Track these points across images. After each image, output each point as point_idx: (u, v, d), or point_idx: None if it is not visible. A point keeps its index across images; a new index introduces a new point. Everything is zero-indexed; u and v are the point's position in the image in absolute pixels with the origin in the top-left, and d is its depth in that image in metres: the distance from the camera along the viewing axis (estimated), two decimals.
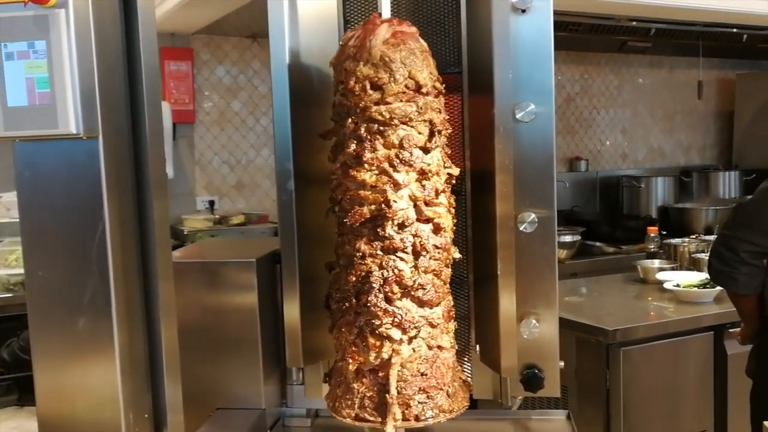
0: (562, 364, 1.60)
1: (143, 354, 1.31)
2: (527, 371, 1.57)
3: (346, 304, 1.39)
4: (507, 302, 1.48)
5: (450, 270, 1.43)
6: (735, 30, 4.73)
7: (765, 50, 5.48)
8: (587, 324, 2.85)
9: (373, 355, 1.36)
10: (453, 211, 1.43)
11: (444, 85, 1.44)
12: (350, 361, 1.39)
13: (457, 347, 1.47)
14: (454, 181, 1.43)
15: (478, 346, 1.63)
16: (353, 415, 1.39)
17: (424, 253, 1.35)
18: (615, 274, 3.91)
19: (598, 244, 4.76)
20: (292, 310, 1.56)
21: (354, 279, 1.37)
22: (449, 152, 1.43)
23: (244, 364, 1.65)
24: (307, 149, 1.55)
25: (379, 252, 1.34)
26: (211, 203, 4.76)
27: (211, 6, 3.79)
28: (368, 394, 1.37)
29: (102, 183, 1.19)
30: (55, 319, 1.23)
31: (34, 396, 1.27)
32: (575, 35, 4.44)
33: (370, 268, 1.35)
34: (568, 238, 4.53)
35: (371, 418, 1.36)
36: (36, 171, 1.21)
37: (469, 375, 1.67)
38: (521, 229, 1.52)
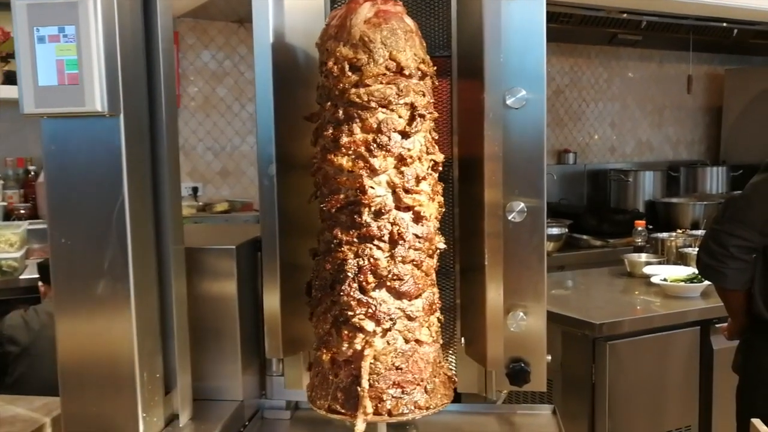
0: (549, 358, 1.57)
1: (156, 318, 1.43)
2: (513, 365, 1.53)
3: (324, 292, 1.34)
4: (494, 294, 1.43)
5: (434, 261, 1.36)
6: (725, 24, 4.72)
7: (755, 46, 5.47)
8: (574, 317, 2.83)
9: (345, 345, 1.30)
10: (440, 199, 1.37)
11: (434, 68, 1.39)
12: (324, 351, 1.34)
13: (441, 341, 1.40)
14: (440, 168, 1.37)
15: (463, 339, 1.59)
16: (326, 406, 1.34)
17: (401, 242, 1.28)
18: (602, 268, 3.89)
19: (585, 237, 4.75)
20: (272, 300, 1.51)
21: (330, 267, 1.32)
22: (435, 137, 1.36)
23: (222, 354, 1.60)
24: (291, 133, 1.50)
25: (355, 240, 1.29)
26: (195, 190, 4.70)
27: None
28: (341, 386, 1.32)
29: (122, 158, 1.30)
30: (77, 283, 1.34)
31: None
32: (566, 27, 4.40)
33: (346, 255, 1.29)
34: (555, 231, 4.51)
35: (343, 411, 1.31)
36: (61, 146, 1.32)
37: (454, 368, 1.63)
38: (510, 218, 1.48)
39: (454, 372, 1.45)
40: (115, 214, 1.31)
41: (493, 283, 1.43)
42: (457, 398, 1.70)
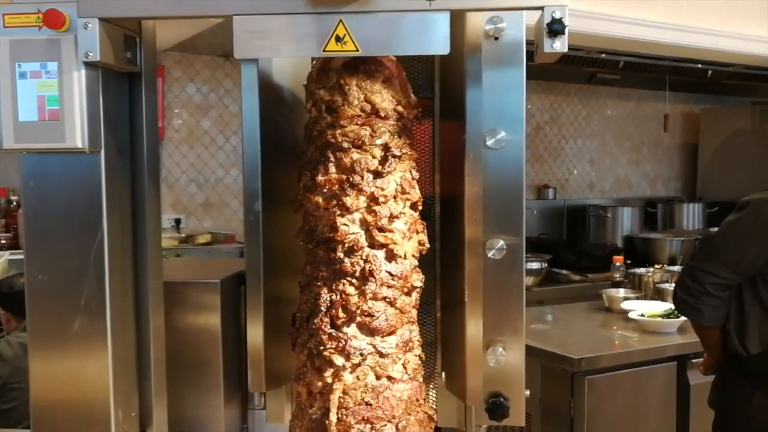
0: (528, 392, 1.59)
1: (133, 355, 1.42)
2: (492, 399, 1.55)
3: (302, 324, 1.37)
4: (473, 329, 1.46)
5: (412, 299, 1.38)
6: (700, 66, 4.84)
7: (729, 86, 5.62)
8: (552, 352, 2.85)
9: (317, 378, 1.33)
10: (421, 237, 1.39)
11: (419, 109, 1.43)
12: (300, 382, 1.36)
13: (420, 379, 1.41)
14: (420, 207, 1.41)
15: (444, 374, 1.61)
16: None
17: (371, 279, 1.30)
18: (581, 302, 3.93)
19: (564, 271, 4.80)
20: (255, 333, 1.52)
21: (306, 300, 1.35)
22: (416, 177, 1.41)
23: (204, 387, 1.62)
24: (277, 169, 1.53)
25: (329, 275, 1.32)
26: (178, 221, 4.70)
27: (184, 23, 3.77)
28: (314, 417, 1.34)
29: (102, 195, 1.30)
30: (52, 320, 1.32)
31: None
32: (546, 65, 4.48)
33: (321, 290, 1.33)
34: (534, 265, 4.56)
35: None
36: (40, 182, 1.31)
37: (434, 402, 1.65)
38: (489, 255, 1.51)
39: (434, 411, 1.46)
40: (93, 251, 1.29)
41: (472, 318, 1.46)
42: None
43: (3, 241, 3.94)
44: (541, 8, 1.22)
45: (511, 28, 1.40)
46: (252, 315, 1.52)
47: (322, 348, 1.31)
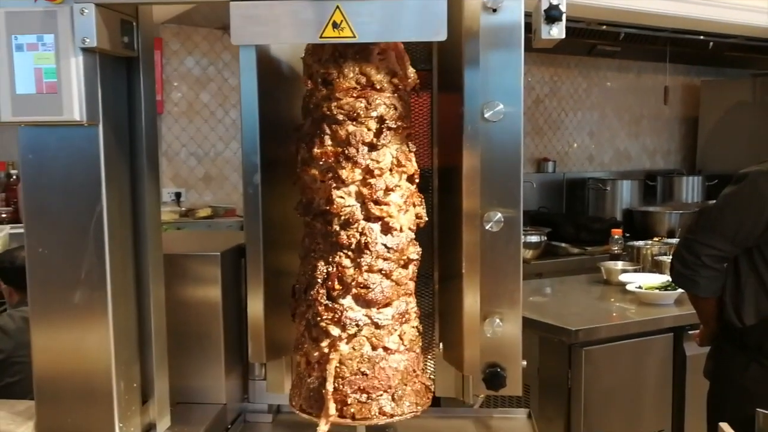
0: (525, 363, 1.61)
1: (134, 326, 1.42)
2: (489, 370, 1.57)
3: (300, 295, 1.39)
4: (471, 301, 1.48)
5: (409, 271, 1.40)
6: (702, 37, 4.81)
7: (730, 58, 5.58)
8: (550, 324, 2.88)
9: (314, 348, 1.35)
10: (418, 210, 1.41)
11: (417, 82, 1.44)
12: (299, 352, 1.39)
13: (418, 351, 1.43)
14: (417, 180, 1.41)
15: (441, 344, 1.64)
16: (300, 405, 1.39)
17: (367, 251, 1.32)
18: (579, 275, 3.96)
19: (563, 245, 4.81)
20: (255, 305, 1.54)
21: (304, 272, 1.37)
22: (411, 149, 1.41)
23: (205, 358, 1.64)
24: (276, 142, 1.54)
25: (327, 248, 1.33)
26: (178, 195, 4.71)
27: None
28: (312, 386, 1.36)
29: (101, 167, 1.29)
30: (53, 293, 1.33)
31: None
32: None
33: (318, 262, 1.34)
34: (534, 239, 4.58)
35: (310, 411, 1.36)
36: (39, 154, 1.30)
37: (432, 372, 1.67)
38: (487, 228, 1.52)
39: (431, 382, 1.48)
40: (93, 224, 1.30)
41: (470, 290, 1.47)
42: (436, 402, 1.74)
43: (3, 215, 3.95)
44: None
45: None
46: (252, 287, 1.54)
47: (318, 319, 1.33)
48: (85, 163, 1.29)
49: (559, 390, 2.87)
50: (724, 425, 1.75)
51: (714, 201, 2.46)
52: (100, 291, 1.31)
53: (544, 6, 1.21)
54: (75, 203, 1.30)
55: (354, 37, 1.21)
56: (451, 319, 1.57)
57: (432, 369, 1.68)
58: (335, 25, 1.20)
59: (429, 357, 1.68)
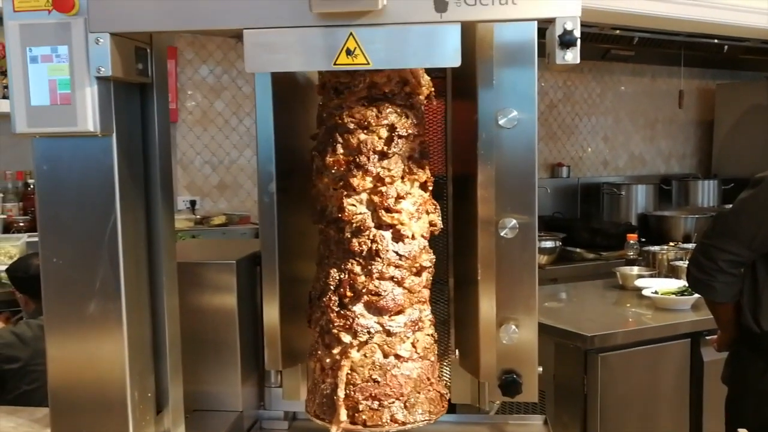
0: (541, 369, 1.61)
1: (148, 337, 1.42)
2: (506, 376, 1.57)
3: (315, 302, 1.39)
4: (487, 307, 1.48)
5: (422, 278, 1.39)
6: (716, 41, 4.79)
7: (745, 61, 5.55)
8: (566, 329, 2.87)
9: (327, 354, 1.36)
10: (432, 217, 1.40)
11: (431, 90, 1.44)
12: (313, 358, 1.39)
13: (432, 358, 1.42)
14: (430, 187, 1.41)
15: (457, 351, 1.64)
16: (313, 411, 1.39)
17: (378, 259, 1.32)
18: (594, 281, 3.94)
19: (578, 250, 4.80)
20: (271, 313, 1.55)
21: (318, 279, 1.38)
22: (425, 157, 1.41)
23: (222, 366, 1.64)
24: (291, 151, 1.55)
25: (340, 255, 1.34)
26: (193, 203, 4.74)
27: None
28: (325, 393, 1.37)
29: (115, 177, 1.29)
30: (67, 303, 1.32)
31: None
32: None
33: (331, 269, 1.35)
34: (548, 244, 4.56)
35: (324, 417, 1.36)
36: (53, 165, 1.30)
37: (448, 379, 1.67)
38: (502, 234, 1.52)
39: (447, 390, 1.47)
40: (107, 234, 1.30)
41: (485, 297, 1.47)
42: (452, 409, 1.74)
43: (21, 224, 3.99)
44: (553, 20, 1.20)
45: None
46: (268, 294, 1.55)
47: (330, 326, 1.34)
48: (99, 174, 1.29)
49: (575, 396, 2.85)
50: (742, 431, 1.74)
51: (730, 206, 2.45)
52: (115, 301, 1.31)
53: (558, 31, 1.20)
54: (90, 213, 1.30)
55: (368, 64, 1.19)
56: (467, 326, 1.57)
57: (448, 376, 1.68)
58: (349, 52, 1.19)
59: (445, 364, 1.68)
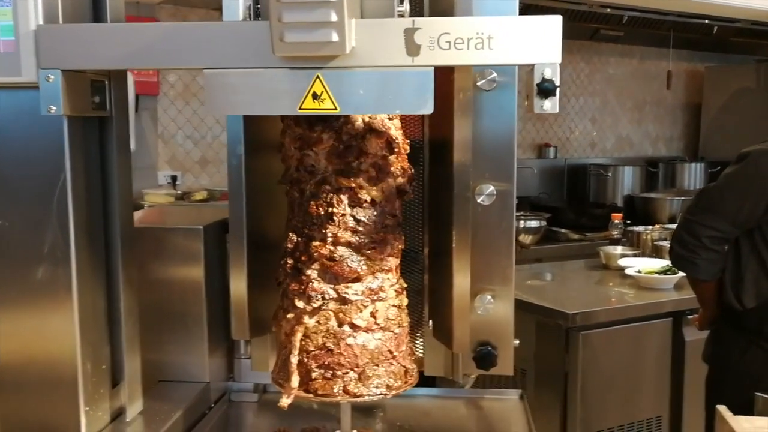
0: (517, 342, 1.56)
1: (102, 306, 1.34)
2: (480, 348, 1.53)
3: (279, 265, 1.34)
4: (461, 276, 1.43)
5: (385, 246, 1.32)
6: (706, 21, 4.74)
7: (734, 43, 5.51)
8: (547, 307, 2.84)
9: (285, 320, 1.31)
10: (399, 181, 1.34)
11: None
12: (275, 323, 1.35)
13: (394, 331, 1.35)
14: (397, 149, 1.33)
15: (431, 322, 1.59)
16: (273, 377, 1.35)
17: (333, 222, 1.27)
18: (578, 260, 3.90)
19: (563, 230, 4.76)
20: (238, 280, 1.49)
21: (283, 241, 1.33)
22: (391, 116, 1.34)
23: (188, 335, 1.60)
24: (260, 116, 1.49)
25: (300, 217, 1.30)
26: (174, 178, 4.66)
27: None
28: (283, 358, 1.32)
29: (64, 132, 1.20)
30: (15, 267, 1.25)
31: None
32: None
33: (290, 231, 1.30)
34: (533, 224, 4.51)
35: (280, 382, 1.32)
36: None
37: (422, 350, 1.63)
38: (479, 201, 1.47)
39: (413, 365, 1.41)
40: (56, 194, 1.22)
41: (460, 266, 1.42)
42: (431, 382, 1.70)
43: None
44: (531, 66, 1.12)
45: None
46: (235, 261, 1.49)
47: (287, 289, 1.29)
48: (46, 129, 1.20)
49: (556, 374, 2.83)
50: (721, 408, 1.71)
51: (715, 182, 2.41)
52: (64, 266, 1.23)
53: (537, 79, 1.13)
54: (37, 172, 1.22)
55: (335, 109, 1.12)
56: (441, 296, 1.52)
57: (422, 347, 1.64)
58: (315, 96, 1.11)
59: (418, 335, 1.63)
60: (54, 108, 1.14)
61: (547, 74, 1.13)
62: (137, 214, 2.07)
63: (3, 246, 1.25)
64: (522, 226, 4.34)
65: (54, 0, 1.15)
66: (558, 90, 1.14)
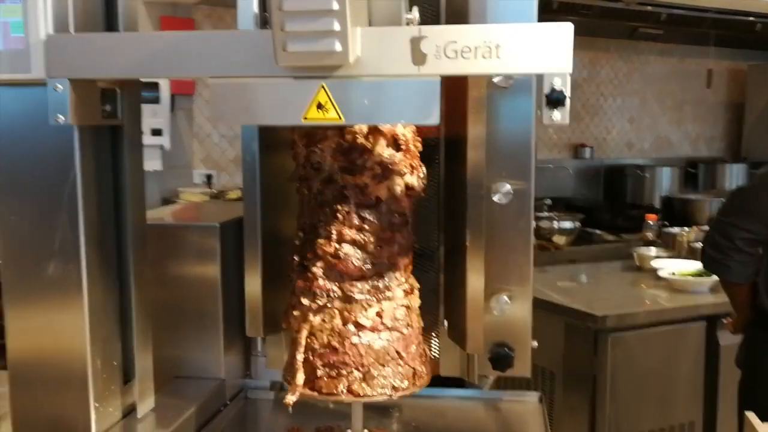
0: (535, 344, 1.53)
1: (115, 302, 1.34)
2: (496, 349, 1.50)
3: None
4: (475, 276, 1.40)
5: (393, 244, 1.30)
6: (751, 18, 4.62)
7: None
8: (577, 309, 2.79)
9: (293, 317, 1.30)
10: (408, 179, 1.32)
11: None
12: (284, 320, 1.34)
13: (403, 331, 1.32)
14: (402, 146, 1.30)
15: (446, 322, 1.57)
16: (282, 375, 1.34)
17: (338, 219, 1.25)
18: (612, 262, 3.84)
19: (598, 231, 4.68)
20: (253, 277, 1.49)
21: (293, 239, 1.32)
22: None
23: (204, 332, 1.60)
24: None
25: (307, 214, 1.29)
26: (209, 177, 4.70)
27: None
28: (290, 356, 1.31)
29: (73, 129, 1.20)
30: (25, 264, 1.25)
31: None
32: (584, 20, 4.33)
33: (299, 229, 1.30)
34: (567, 225, 4.45)
35: (287, 379, 1.31)
36: (6, 115, 1.22)
37: (437, 351, 1.61)
38: (495, 199, 1.45)
39: (424, 368, 1.38)
40: (66, 191, 1.22)
41: (473, 265, 1.40)
42: (447, 383, 1.68)
43: None
44: (541, 76, 1.09)
45: None
46: (249, 258, 1.48)
47: (294, 287, 1.28)
48: (57, 126, 1.18)
49: (585, 377, 2.78)
50: (750, 414, 1.66)
51: (749, 182, 2.34)
52: (74, 262, 1.23)
53: (546, 90, 1.09)
54: (47, 168, 1.22)
55: (340, 119, 1.10)
56: (455, 296, 1.50)
57: (437, 347, 1.62)
58: (319, 106, 1.09)
59: (433, 335, 1.61)
60: (62, 118, 1.14)
61: (557, 84, 1.10)
62: (170, 209, 2.10)
63: (15, 242, 1.25)
64: (555, 227, 4.28)
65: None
66: (568, 100, 1.10)
